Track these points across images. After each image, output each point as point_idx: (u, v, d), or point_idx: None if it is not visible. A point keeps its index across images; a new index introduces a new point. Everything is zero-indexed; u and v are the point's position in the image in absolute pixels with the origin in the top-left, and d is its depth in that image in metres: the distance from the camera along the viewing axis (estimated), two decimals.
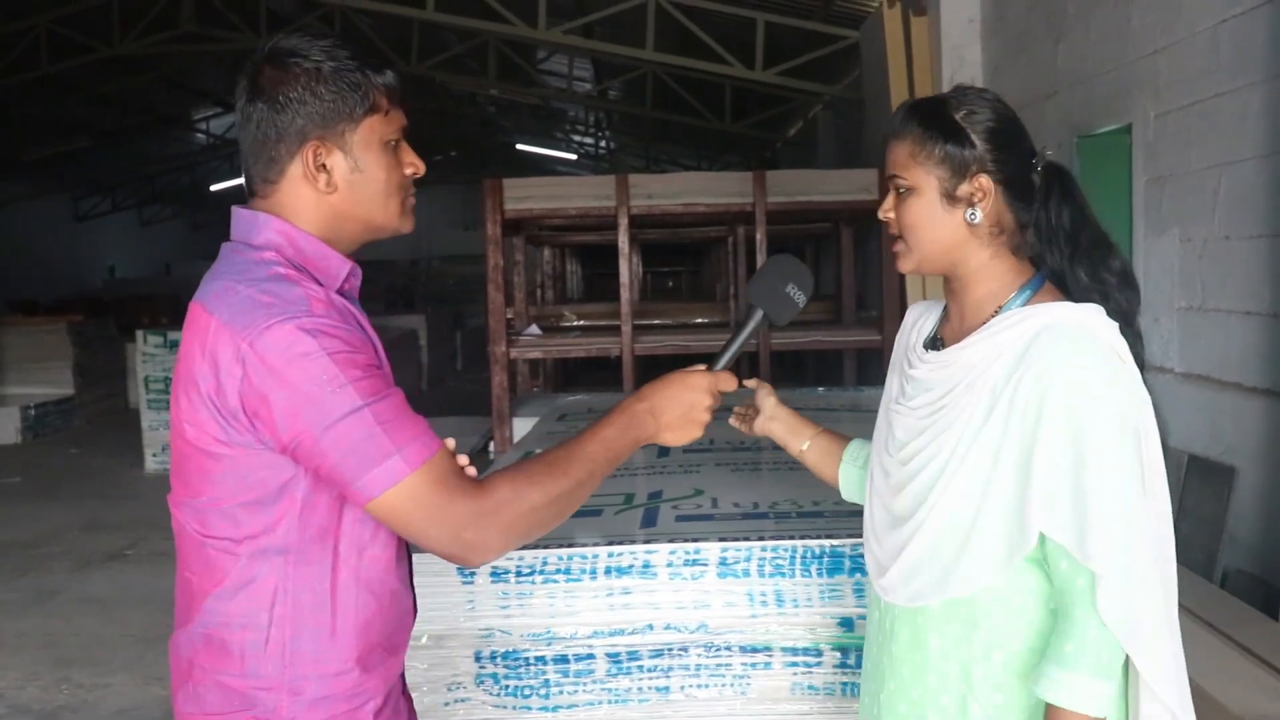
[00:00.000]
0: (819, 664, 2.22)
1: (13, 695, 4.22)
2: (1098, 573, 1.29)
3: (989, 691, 1.40)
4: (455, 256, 23.85)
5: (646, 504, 2.59)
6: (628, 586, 2.22)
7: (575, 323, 7.66)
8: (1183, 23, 3.91)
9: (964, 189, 1.41)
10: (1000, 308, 1.43)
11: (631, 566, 2.22)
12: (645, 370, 4.64)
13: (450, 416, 8.25)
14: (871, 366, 7.14)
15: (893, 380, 1.57)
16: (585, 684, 2.22)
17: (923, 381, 1.48)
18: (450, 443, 1.32)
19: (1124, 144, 4.42)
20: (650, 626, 2.22)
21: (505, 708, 2.23)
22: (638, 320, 6.22)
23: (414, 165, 1.40)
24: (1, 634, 4.93)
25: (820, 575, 2.22)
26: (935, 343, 1.51)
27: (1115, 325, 1.38)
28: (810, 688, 2.23)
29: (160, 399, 8.63)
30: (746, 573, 2.22)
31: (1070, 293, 1.43)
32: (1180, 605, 1.40)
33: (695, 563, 2.22)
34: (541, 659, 2.22)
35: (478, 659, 2.23)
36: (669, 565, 2.22)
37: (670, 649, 2.23)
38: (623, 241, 5.92)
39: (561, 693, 2.22)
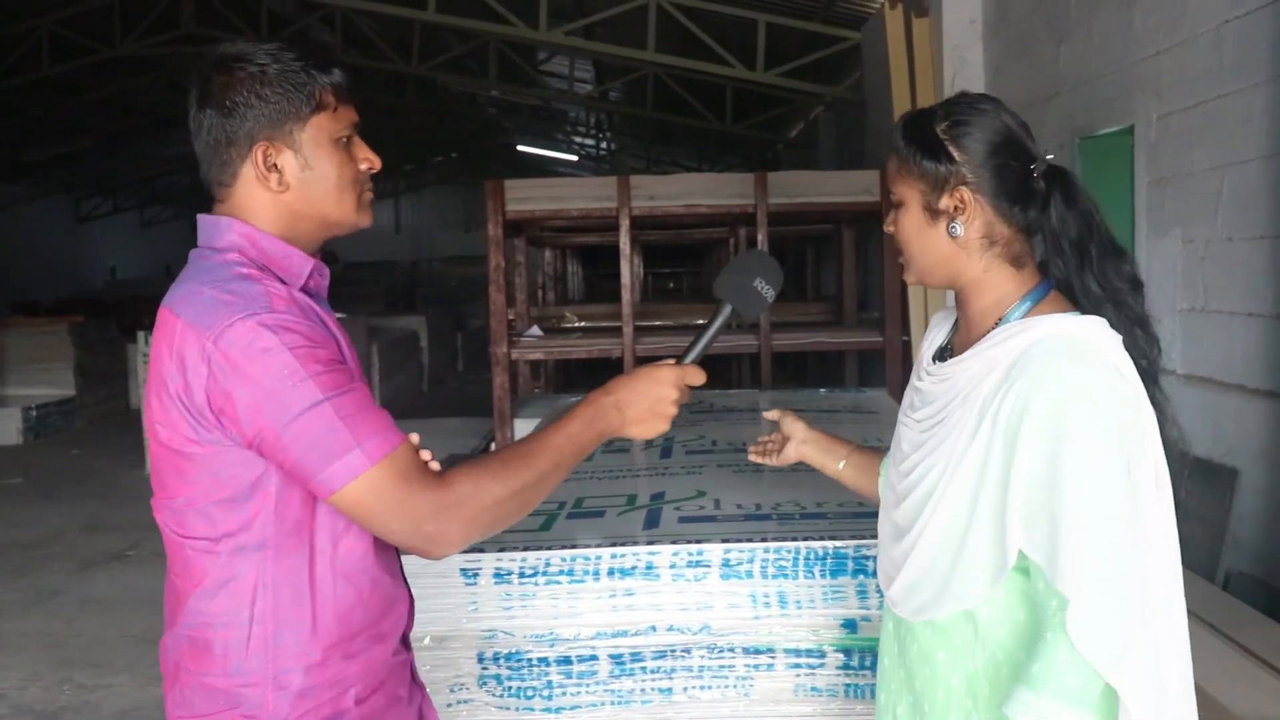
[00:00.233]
0: (822, 665, 2.22)
1: (15, 696, 4.22)
2: (1067, 595, 1.26)
3: (994, 709, 1.38)
4: (456, 257, 23.85)
5: (649, 505, 2.59)
6: (631, 588, 2.22)
7: (576, 324, 7.65)
8: (1186, 24, 3.90)
9: (944, 203, 1.40)
10: (1000, 319, 1.41)
11: (635, 568, 2.22)
12: None
13: (451, 418, 8.26)
14: (873, 367, 7.14)
15: (907, 391, 1.56)
16: (588, 685, 2.22)
17: (926, 394, 1.47)
18: (414, 438, 1.34)
19: (1126, 145, 4.42)
20: (653, 628, 2.22)
21: (508, 709, 2.23)
22: (639, 321, 6.21)
23: (368, 160, 1.42)
24: (3, 634, 4.93)
25: (823, 577, 2.21)
26: (945, 354, 1.50)
27: (1118, 338, 1.35)
28: (813, 689, 2.22)
29: None
30: (749, 574, 2.21)
31: (1079, 302, 1.40)
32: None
33: (698, 564, 2.22)
34: (544, 660, 2.22)
35: (480, 660, 2.23)
36: (672, 566, 2.22)
37: (673, 650, 2.22)
38: (624, 243, 5.91)
39: (564, 694, 2.22)
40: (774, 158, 15.90)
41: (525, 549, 2.23)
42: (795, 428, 1.72)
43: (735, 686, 2.22)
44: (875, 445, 1.77)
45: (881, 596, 1.64)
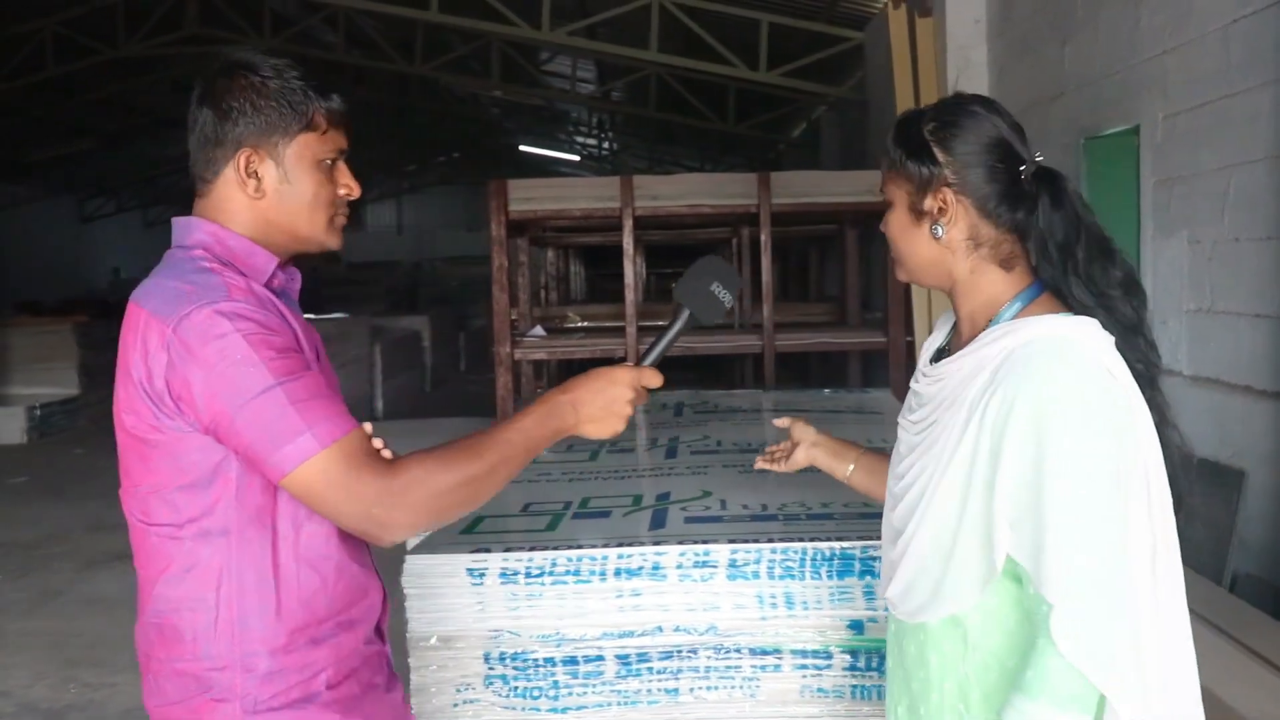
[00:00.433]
0: (829, 666, 2.21)
1: (20, 694, 4.23)
2: (1051, 601, 1.24)
3: (987, 713, 1.37)
4: (459, 258, 23.86)
5: (655, 505, 2.58)
6: (637, 588, 2.21)
7: (579, 324, 7.66)
8: (1193, 23, 3.89)
9: (928, 204, 1.40)
10: (991, 320, 1.39)
11: (641, 568, 2.21)
12: None
13: (454, 418, 8.25)
14: (877, 368, 7.13)
15: (908, 393, 1.56)
16: (594, 685, 2.22)
17: (921, 396, 1.47)
18: (367, 427, 1.37)
19: (1132, 145, 4.41)
20: (659, 628, 2.21)
21: (514, 709, 2.22)
22: (642, 321, 6.21)
23: (348, 187, 1.48)
24: (8, 634, 4.94)
25: (830, 577, 2.20)
26: (942, 355, 1.49)
27: (1109, 339, 1.34)
28: (820, 690, 2.22)
29: None
30: (756, 575, 2.21)
31: (1069, 304, 1.38)
32: (1190, 610, 1.37)
33: (705, 564, 2.21)
34: (550, 660, 2.21)
35: (486, 660, 2.22)
36: (678, 567, 2.21)
37: (679, 651, 2.22)
38: (627, 243, 5.91)
39: (570, 694, 2.22)
40: (776, 158, 15.90)
41: (531, 549, 2.23)
42: (805, 433, 1.73)
43: (742, 687, 2.22)
44: (880, 447, 1.77)
45: None
